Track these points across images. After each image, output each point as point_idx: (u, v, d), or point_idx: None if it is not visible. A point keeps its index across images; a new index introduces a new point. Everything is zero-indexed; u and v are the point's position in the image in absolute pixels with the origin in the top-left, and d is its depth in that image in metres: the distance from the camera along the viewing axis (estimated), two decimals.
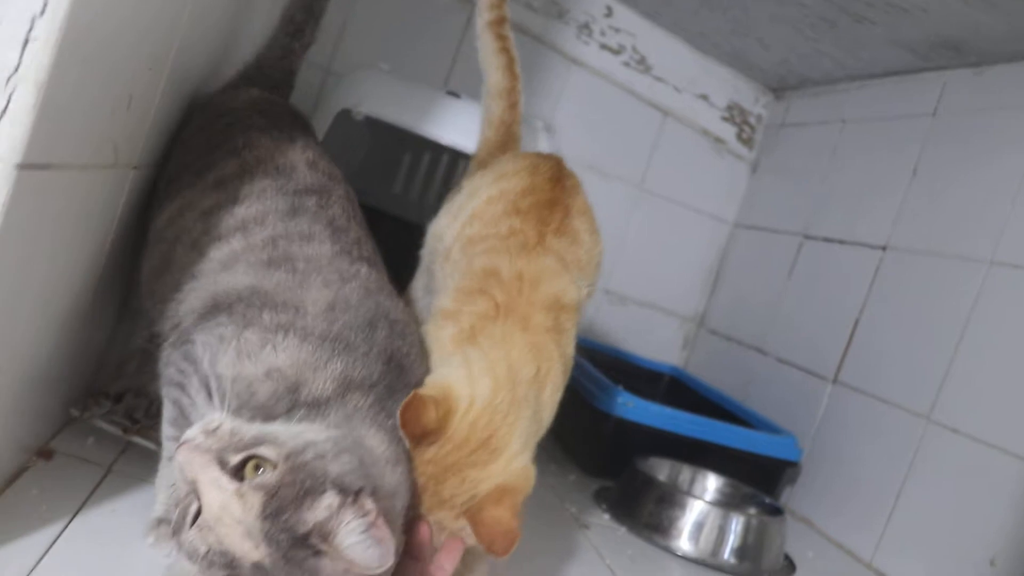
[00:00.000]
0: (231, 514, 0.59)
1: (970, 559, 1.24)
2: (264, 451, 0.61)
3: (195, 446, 0.61)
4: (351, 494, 0.61)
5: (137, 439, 0.93)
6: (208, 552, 0.60)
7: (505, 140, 1.16)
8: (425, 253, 1.07)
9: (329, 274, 0.79)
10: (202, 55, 1.00)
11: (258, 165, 0.90)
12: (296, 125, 1.02)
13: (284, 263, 0.79)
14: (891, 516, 1.41)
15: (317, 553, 0.60)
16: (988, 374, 1.32)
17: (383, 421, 0.72)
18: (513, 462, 0.80)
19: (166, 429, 0.79)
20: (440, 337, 0.87)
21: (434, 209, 1.11)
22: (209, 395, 0.73)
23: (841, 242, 1.75)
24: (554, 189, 1.00)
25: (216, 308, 0.76)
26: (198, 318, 0.77)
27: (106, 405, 0.99)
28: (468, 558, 0.91)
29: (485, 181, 1.03)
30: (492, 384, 0.80)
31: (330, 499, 0.60)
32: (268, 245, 0.81)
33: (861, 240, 1.69)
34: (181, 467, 0.61)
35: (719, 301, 2.13)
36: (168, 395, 0.78)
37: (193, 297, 0.79)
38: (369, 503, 0.62)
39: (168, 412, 0.79)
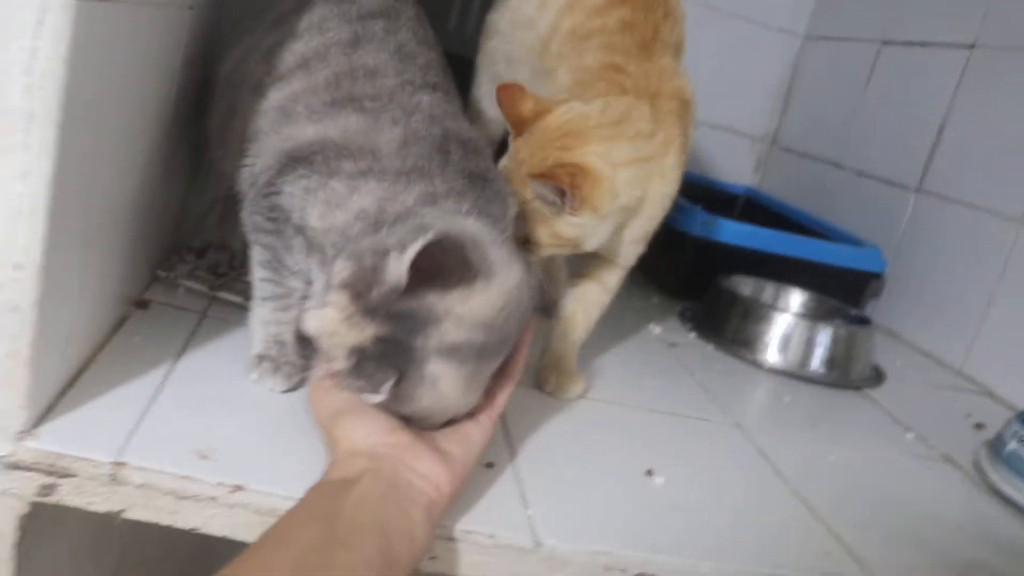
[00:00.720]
0: (333, 322, 0.63)
1: None
2: (335, 266, 0.65)
3: (307, 315, 0.66)
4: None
5: (224, 295, 0.94)
6: (345, 364, 0.64)
7: None
8: (495, 44, 1.05)
9: (395, 110, 0.76)
10: None
11: None
12: None
13: (350, 104, 0.76)
14: (982, 323, 1.38)
15: (416, 293, 0.62)
16: None
17: (479, 215, 0.71)
18: (594, 158, 0.80)
19: (258, 271, 0.80)
20: None
21: None
22: (305, 245, 0.74)
23: (923, 44, 1.65)
24: None
25: (293, 161, 0.75)
26: (276, 173, 0.76)
27: (190, 261, 1.00)
28: (564, 378, 0.92)
29: None
30: (598, 106, 0.82)
31: (395, 257, 0.62)
32: (331, 85, 0.78)
33: (945, 40, 1.59)
34: (310, 336, 0.66)
35: (792, 118, 2.05)
36: (258, 240, 0.79)
37: (266, 156, 0.78)
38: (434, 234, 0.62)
39: (259, 255, 0.79)
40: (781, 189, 2.00)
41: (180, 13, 0.79)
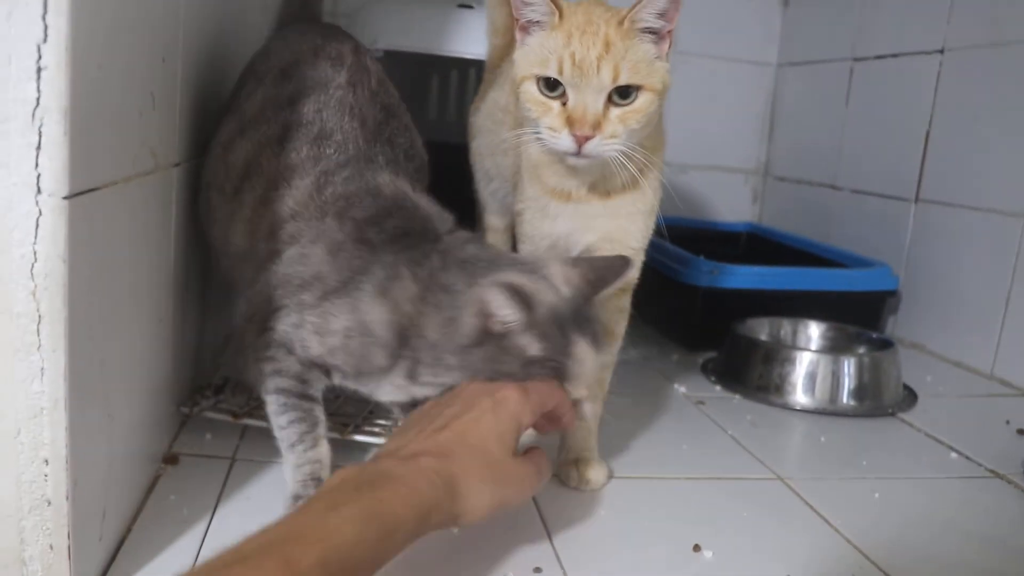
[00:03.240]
0: None
1: None
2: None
3: None
4: None
5: (249, 421, 0.95)
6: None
7: (512, 45, 1.13)
8: (478, 143, 1.12)
9: (308, 225, 0.79)
10: (207, 36, 0.98)
11: (264, 79, 0.89)
12: (315, 30, 0.98)
13: (282, 229, 0.80)
14: (1004, 322, 1.37)
15: None
16: None
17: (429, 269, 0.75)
18: None
19: (277, 420, 0.80)
20: None
21: None
22: (322, 372, 0.78)
23: (894, 56, 1.67)
24: None
25: (268, 301, 0.79)
26: (265, 314, 0.80)
27: (211, 397, 1.01)
28: (584, 467, 0.91)
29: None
30: None
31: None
32: (264, 202, 0.82)
33: (915, 49, 1.60)
34: None
35: (780, 146, 2.07)
36: (267, 389, 0.81)
37: (257, 294, 0.81)
38: None
39: (275, 404, 0.80)
40: (781, 219, 2.00)
41: (167, 174, 0.81)
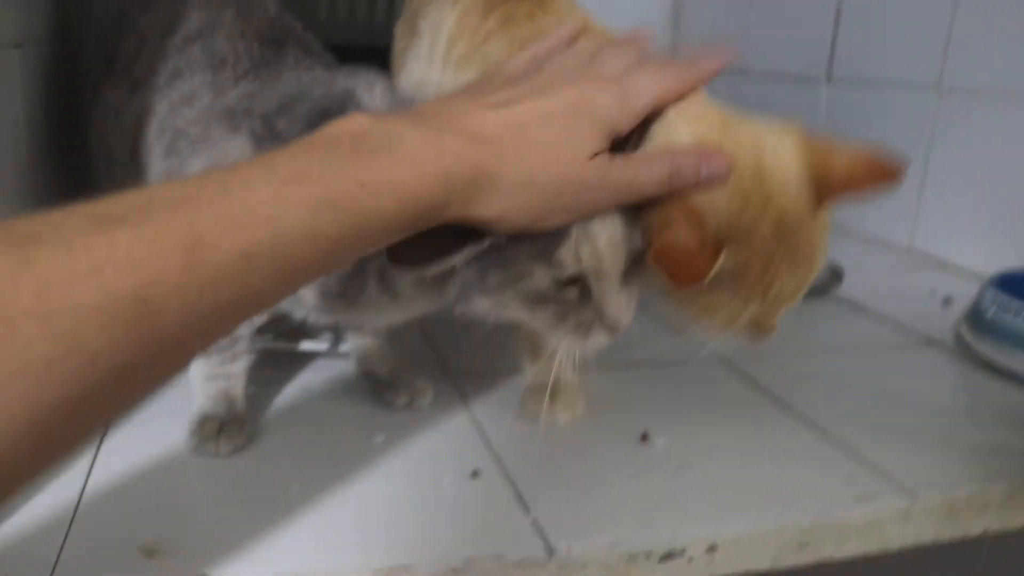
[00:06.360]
0: None
1: (1010, 218, 1.20)
2: None
3: None
4: None
5: None
6: None
7: None
8: None
9: (213, 125, 0.69)
10: None
11: (152, 31, 0.78)
12: None
13: (177, 144, 0.70)
14: (921, 196, 1.35)
15: None
16: (994, 25, 1.22)
17: None
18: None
19: None
20: None
21: (366, 26, 0.99)
22: None
23: None
24: None
25: None
26: None
27: None
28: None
29: (443, 10, 0.88)
30: None
31: None
32: (164, 133, 0.71)
33: None
34: None
35: (685, 37, 2.01)
36: None
37: None
38: None
39: None
40: None
41: (6, 54, 0.69)
